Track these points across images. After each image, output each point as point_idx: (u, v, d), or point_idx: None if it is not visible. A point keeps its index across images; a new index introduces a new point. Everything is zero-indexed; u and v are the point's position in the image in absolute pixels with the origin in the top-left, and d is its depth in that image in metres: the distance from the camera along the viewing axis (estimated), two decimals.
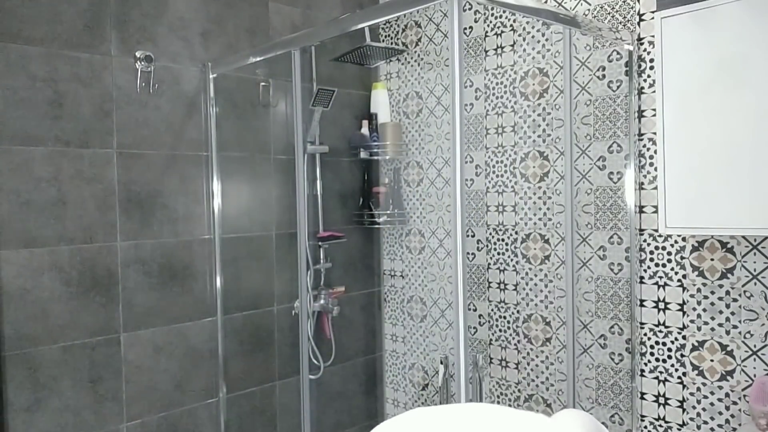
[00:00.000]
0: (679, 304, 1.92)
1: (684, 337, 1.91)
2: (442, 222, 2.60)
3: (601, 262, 2.09)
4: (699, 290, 1.87)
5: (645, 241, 1.98)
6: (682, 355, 1.92)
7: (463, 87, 1.75)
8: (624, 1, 1.99)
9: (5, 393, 1.81)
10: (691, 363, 1.90)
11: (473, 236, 2.47)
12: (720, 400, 1.85)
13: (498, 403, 2.42)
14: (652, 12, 1.92)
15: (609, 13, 2.03)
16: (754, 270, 1.76)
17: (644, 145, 1.97)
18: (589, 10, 2.08)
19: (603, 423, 2.09)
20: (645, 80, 1.96)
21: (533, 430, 0.74)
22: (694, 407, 1.90)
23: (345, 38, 2.48)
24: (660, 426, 1.98)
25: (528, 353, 2.31)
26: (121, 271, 2.04)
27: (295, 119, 2.02)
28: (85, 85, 1.97)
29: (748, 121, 1.59)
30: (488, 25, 2.39)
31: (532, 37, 2.25)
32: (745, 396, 1.79)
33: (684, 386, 1.92)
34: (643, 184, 1.98)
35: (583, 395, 2.15)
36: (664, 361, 1.95)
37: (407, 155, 2.72)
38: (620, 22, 2.00)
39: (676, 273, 1.92)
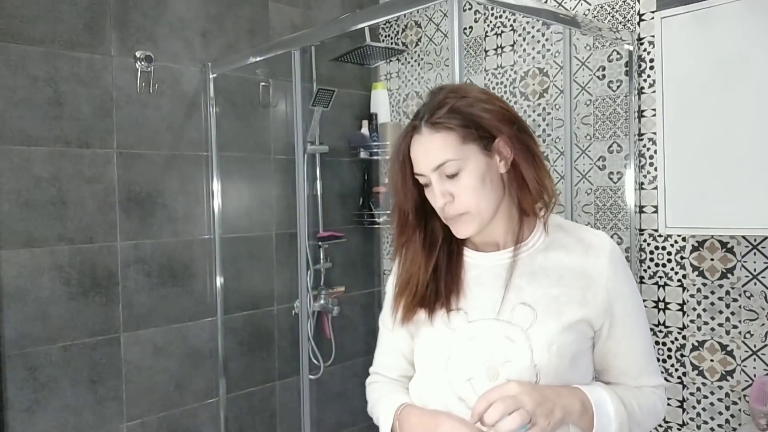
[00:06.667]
0: (679, 304, 1.92)
1: (684, 337, 1.91)
2: None
3: None
4: (699, 290, 1.87)
5: (645, 241, 1.98)
6: (682, 355, 1.92)
7: None
8: (624, 1, 1.99)
9: (5, 393, 1.81)
10: (691, 363, 1.90)
11: None
12: (720, 400, 1.84)
13: None
14: (652, 12, 1.92)
15: (609, 13, 2.03)
16: (754, 270, 1.76)
17: (644, 145, 1.97)
18: (589, 10, 2.08)
19: None
20: (645, 80, 1.96)
21: None
22: (694, 407, 1.90)
23: (345, 38, 2.48)
24: (660, 426, 1.98)
25: None
26: (121, 271, 2.04)
27: (295, 119, 2.01)
28: (85, 85, 1.96)
29: (748, 121, 1.59)
30: (488, 25, 2.39)
31: (532, 37, 2.25)
32: (745, 396, 1.79)
33: (684, 386, 1.92)
34: (643, 184, 1.98)
35: None
36: (664, 361, 1.95)
37: None
38: (620, 22, 2.00)
39: (676, 273, 1.92)
